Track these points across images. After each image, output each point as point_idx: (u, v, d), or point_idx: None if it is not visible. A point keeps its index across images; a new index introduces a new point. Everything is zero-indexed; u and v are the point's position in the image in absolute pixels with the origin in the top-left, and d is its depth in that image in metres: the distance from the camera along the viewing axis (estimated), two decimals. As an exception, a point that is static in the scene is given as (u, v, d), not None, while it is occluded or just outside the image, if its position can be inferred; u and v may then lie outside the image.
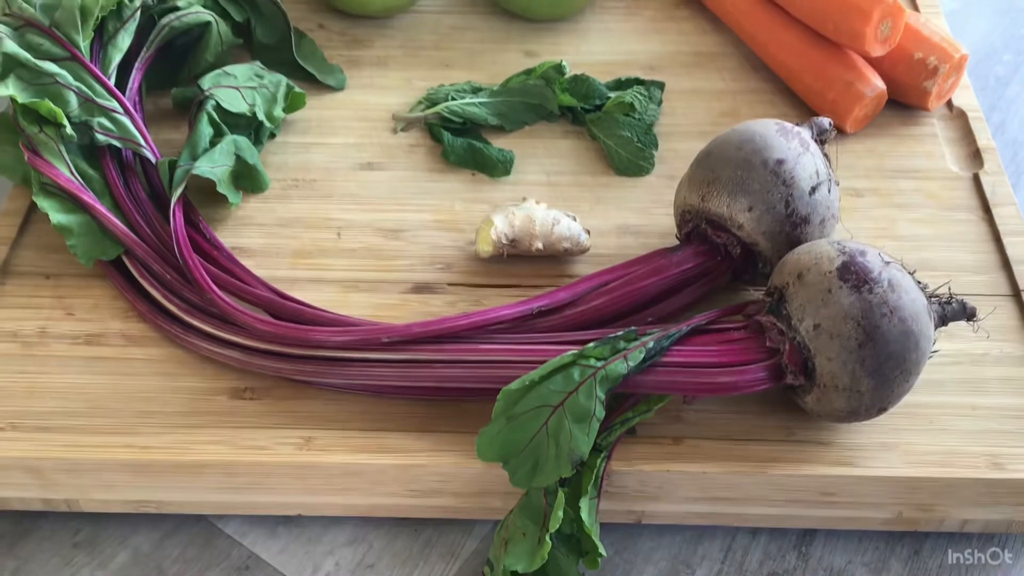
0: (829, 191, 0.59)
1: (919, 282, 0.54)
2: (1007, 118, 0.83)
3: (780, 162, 0.57)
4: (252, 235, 0.67)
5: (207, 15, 0.71)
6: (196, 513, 0.59)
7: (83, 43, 0.64)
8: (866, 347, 0.51)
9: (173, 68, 0.74)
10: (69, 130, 0.63)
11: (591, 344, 0.54)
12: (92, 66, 0.64)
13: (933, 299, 0.55)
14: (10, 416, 0.57)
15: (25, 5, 0.65)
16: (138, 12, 0.68)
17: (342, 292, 0.64)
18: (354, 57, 0.79)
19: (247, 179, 0.68)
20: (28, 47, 0.64)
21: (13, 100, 0.61)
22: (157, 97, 0.74)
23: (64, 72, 0.63)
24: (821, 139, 0.62)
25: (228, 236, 0.66)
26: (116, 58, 0.67)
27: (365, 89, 0.77)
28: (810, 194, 0.58)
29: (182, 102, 0.72)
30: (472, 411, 0.57)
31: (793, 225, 0.58)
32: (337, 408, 0.58)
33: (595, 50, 0.80)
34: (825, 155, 0.61)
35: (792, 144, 0.58)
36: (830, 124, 0.62)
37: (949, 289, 0.56)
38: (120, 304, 0.63)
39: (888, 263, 0.53)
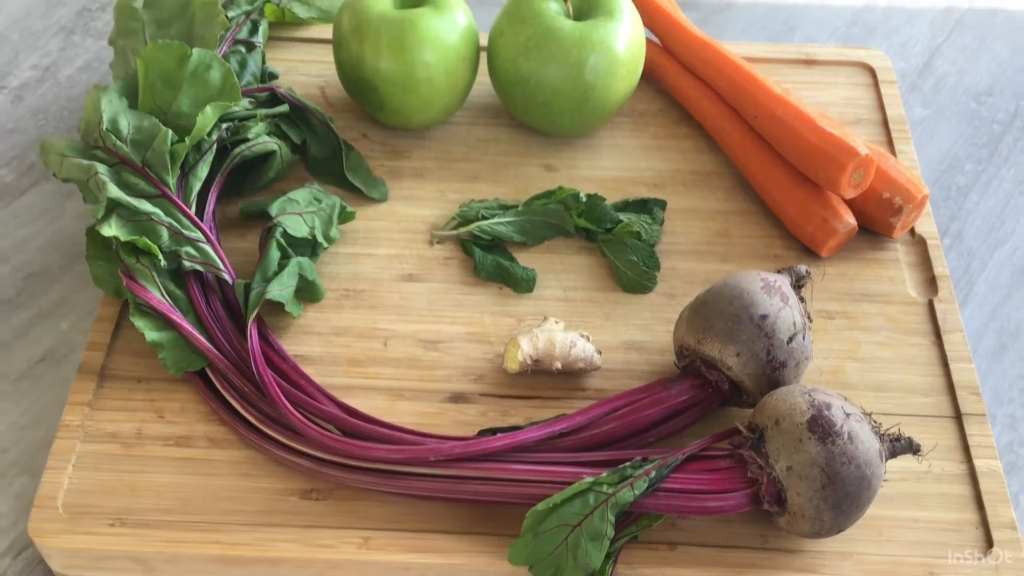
0: (804, 338, 0.70)
1: (874, 423, 0.66)
2: (964, 227, 0.94)
3: (763, 317, 0.69)
4: (311, 344, 0.78)
5: (273, 144, 0.82)
6: (270, 592, 0.71)
7: (171, 181, 0.75)
8: (828, 488, 0.63)
9: (238, 183, 0.84)
10: (163, 261, 0.73)
11: (604, 474, 0.65)
12: (179, 202, 0.75)
13: (885, 437, 0.67)
14: (117, 512, 0.68)
15: (119, 143, 0.75)
16: (215, 145, 0.79)
17: (390, 400, 0.75)
18: (395, 168, 0.89)
19: (306, 291, 0.79)
20: (123, 185, 0.74)
21: (116, 238, 0.72)
22: (223, 206, 0.85)
23: (157, 210, 0.74)
24: (799, 284, 0.74)
25: (291, 344, 0.77)
26: (196, 187, 0.77)
27: (405, 201, 0.87)
28: (787, 343, 0.69)
29: (248, 214, 0.83)
30: (504, 515, 0.68)
31: (773, 369, 0.69)
32: (391, 510, 0.69)
33: (606, 165, 0.90)
34: (801, 298, 0.72)
35: (774, 300, 0.70)
36: (807, 271, 0.74)
37: (899, 428, 0.68)
38: (203, 408, 0.74)
39: (848, 415, 0.65)
